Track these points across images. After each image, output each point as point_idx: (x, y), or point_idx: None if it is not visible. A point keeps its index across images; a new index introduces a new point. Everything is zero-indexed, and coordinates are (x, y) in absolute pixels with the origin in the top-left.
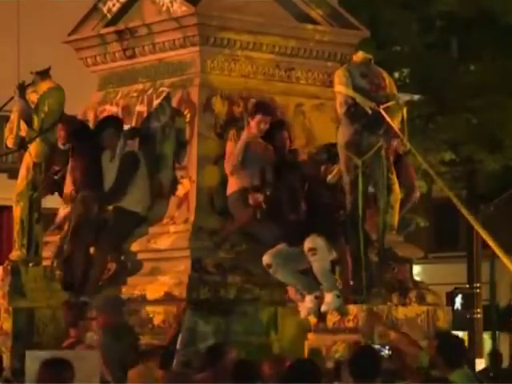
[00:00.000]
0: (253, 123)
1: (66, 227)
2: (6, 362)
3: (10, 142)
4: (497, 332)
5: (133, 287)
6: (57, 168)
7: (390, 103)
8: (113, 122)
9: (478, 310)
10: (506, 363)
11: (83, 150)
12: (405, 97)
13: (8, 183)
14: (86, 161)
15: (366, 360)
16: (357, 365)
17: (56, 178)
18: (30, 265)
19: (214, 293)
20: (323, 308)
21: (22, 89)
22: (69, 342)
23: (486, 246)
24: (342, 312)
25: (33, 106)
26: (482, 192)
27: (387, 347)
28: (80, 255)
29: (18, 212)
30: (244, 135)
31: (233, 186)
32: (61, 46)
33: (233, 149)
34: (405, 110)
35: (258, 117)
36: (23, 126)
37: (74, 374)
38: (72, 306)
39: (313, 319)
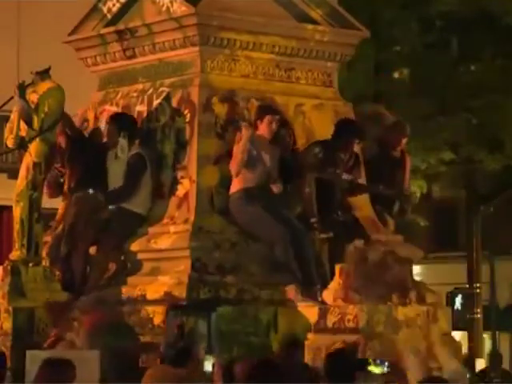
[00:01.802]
0: (263, 125)
1: (59, 227)
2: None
3: (10, 142)
4: (497, 332)
5: (133, 287)
6: (63, 170)
7: None
8: (115, 119)
9: (478, 310)
10: (506, 363)
11: (79, 154)
12: None
13: (8, 183)
14: (83, 163)
15: (341, 366)
16: (332, 372)
17: (62, 180)
18: (30, 265)
19: (214, 293)
20: None
21: (22, 89)
22: (49, 341)
23: (485, 246)
24: None
25: (33, 106)
26: (482, 192)
27: (386, 363)
28: (78, 256)
29: (17, 212)
30: (245, 135)
31: (236, 185)
32: (61, 46)
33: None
34: None
35: (269, 117)
36: (23, 125)
37: (76, 374)
38: (52, 307)
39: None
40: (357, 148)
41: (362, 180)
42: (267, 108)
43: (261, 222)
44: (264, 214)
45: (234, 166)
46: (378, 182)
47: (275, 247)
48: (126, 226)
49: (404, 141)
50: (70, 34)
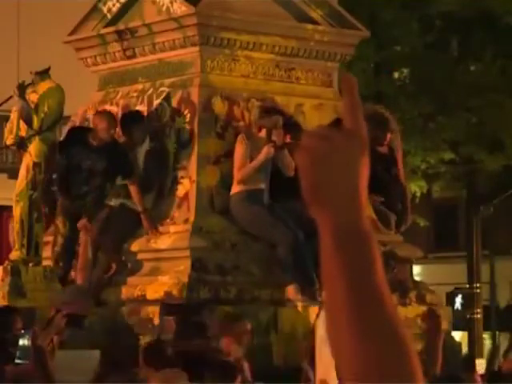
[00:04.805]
0: (266, 129)
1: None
2: None
3: (9, 142)
4: (497, 332)
5: (133, 287)
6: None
7: None
8: (138, 117)
9: (478, 310)
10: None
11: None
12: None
13: (8, 183)
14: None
15: None
16: None
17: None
18: (30, 265)
19: (214, 293)
20: None
21: (22, 89)
22: None
23: (485, 246)
24: None
25: (33, 106)
26: (482, 192)
27: None
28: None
29: (17, 212)
30: (266, 153)
31: (237, 186)
32: (61, 46)
33: (242, 153)
34: None
35: (274, 119)
36: (23, 125)
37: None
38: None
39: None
40: None
41: None
42: (270, 109)
43: (263, 223)
44: (266, 214)
45: (238, 174)
46: (371, 181)
47: (278, 248)
48: (128, 224)
49: (389, 136)
50: (70, 34)
